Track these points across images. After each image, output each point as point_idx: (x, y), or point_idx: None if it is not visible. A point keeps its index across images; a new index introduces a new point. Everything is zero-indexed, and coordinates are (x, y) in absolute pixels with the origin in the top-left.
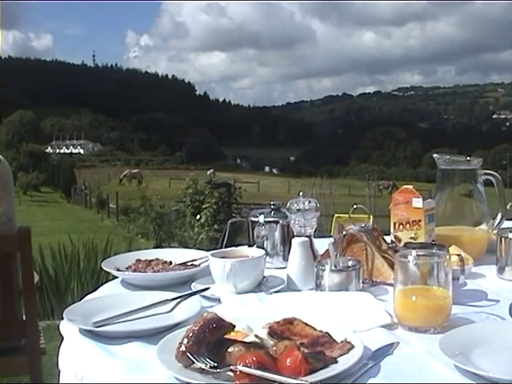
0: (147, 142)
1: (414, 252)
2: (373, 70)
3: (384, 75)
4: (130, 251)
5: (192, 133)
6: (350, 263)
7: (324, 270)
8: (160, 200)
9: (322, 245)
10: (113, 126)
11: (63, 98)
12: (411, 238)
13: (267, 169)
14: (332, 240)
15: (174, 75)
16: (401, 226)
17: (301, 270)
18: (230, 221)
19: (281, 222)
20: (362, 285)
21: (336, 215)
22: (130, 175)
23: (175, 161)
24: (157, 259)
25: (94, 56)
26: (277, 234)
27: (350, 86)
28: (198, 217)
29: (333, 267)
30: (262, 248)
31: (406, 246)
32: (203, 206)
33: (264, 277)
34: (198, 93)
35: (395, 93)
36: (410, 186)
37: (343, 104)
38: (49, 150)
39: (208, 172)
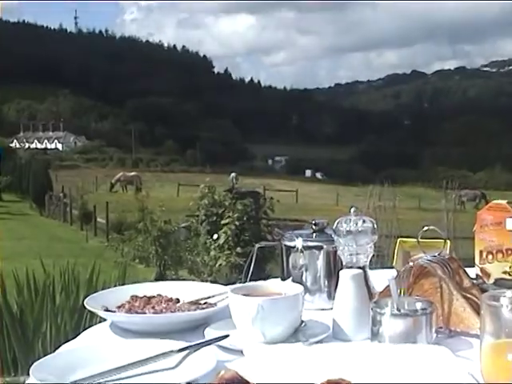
0: (148, 136)
1: (509, 293)
2: (456, 37)
3: (471, 44)
4: (123, 284)
5: (208, 124)
6: (418, 305)
7: (383, 314)
8: (165, 213)
9: (380, 279)
10: (102, 114)
11: (34, 75)
12: (504, 272)
13: (308, 173)
14: (394, 273)
15: (184, 46)
16: (490, 256)
17: (352, 313)
18: (257, 244)
19: (325, 247)
20: (435, 335)
21: (400, 239)
22: (124, 179)
23: (185, 161)
24: (159, 295)
25: (76, 18)
26: (320, 264)
27: (422, 61)
28: (215, 236)
29: (395, 310)
30: (300, 283)
31: (498, 283)
32: (222, 222)
33: (302, 321)
34: (216, 70)
35: (486, 69)
36: (504, 202)
37: (413, 85)
38: (14, 144)
39: (229, 176)
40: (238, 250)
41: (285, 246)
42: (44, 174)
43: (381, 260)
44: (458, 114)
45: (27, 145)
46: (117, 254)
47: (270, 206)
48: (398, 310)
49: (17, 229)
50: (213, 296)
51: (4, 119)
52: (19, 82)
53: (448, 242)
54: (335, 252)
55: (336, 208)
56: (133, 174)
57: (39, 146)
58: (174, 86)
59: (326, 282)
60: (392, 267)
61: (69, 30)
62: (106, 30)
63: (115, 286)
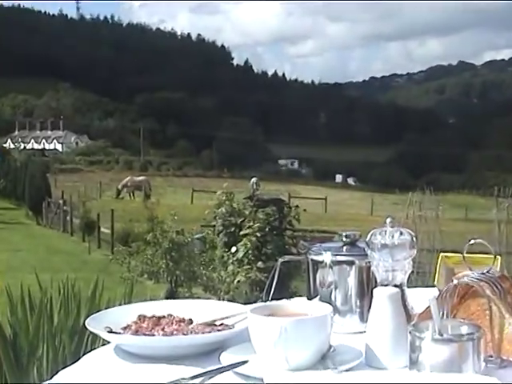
0: (159, 136)
1: None
2: (510, 22)
3: None
4: (129, 302)
5: (226, 122)
6: (464, 329)
7: (423, 339)
8: (177, 223)
9: (420, 298)
10: (108, 111)
11: (31, 66)
12: None
13: (339, 178)
14: (436, 292)
15: (199, 35)
16: None
17: (387, 338)
18: (281, 258)
19: (357, 262)
20: (483, 364)
21: (443, 254)
22: (132, 185)
23: (200, 164)
24: (170, 315)
25: (77, 3)
26: (351, 281)
27: (471, 51)
28: (233, 249)
29: (437, 335)
30: (329, 302)
31: None
32: (242, 234)
33: (331, 346)
34: (236, 62)
35: None
36: None
37: (459, 79)
38: (8, 144)
39: (250, 182)
40: (259, 264)
41: (312, 260)
42: (41, 178)
43: (421, 277)
44: (511, 111)
45: (23, 145)
46: (123, 268)
47: (295, 215)
48: (441, 334)
49: (11, 239)
50: (230, 316)
51: None
52: (14, 74)
53: (499, 257)
54: (369, 268)
55: (370, 218)
56: (141, 178)
57: (36, 146)
58: (187, 80)
59: (358, 302)
60: (434, 286)
61: (70, 17)
62: (112, 17)
63: (120, 304)
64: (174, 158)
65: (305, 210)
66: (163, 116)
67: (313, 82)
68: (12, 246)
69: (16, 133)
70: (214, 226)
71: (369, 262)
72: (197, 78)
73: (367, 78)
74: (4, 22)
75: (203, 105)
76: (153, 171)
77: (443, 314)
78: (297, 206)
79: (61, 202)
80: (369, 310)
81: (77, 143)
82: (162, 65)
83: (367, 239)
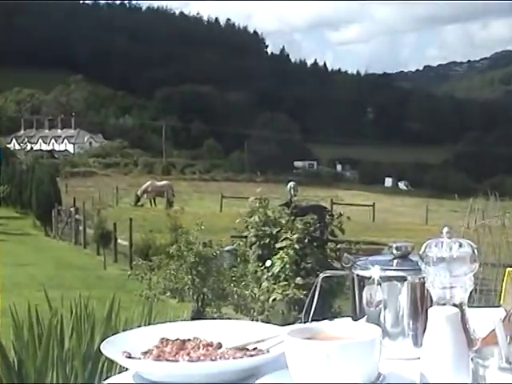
0: (183, 135)
1: None
2: None
3: None
4: (150, 323)
5: (260, 119)
6: None
7: (487, 367)
8: (204, 233)
9: (483, 320)
10: (125, 107)
11: (39, 57)
12: None
13: (389, 182)
14: (502, 313)
15: (229, 20)
16: None
17: (445, 365)
18: (322, 274)
19: (410, 278)
20: None
21: (510, 269)
22: (153, 190)
23: (231, 166)
24: (196, 339)
25: None
26: (403, 300)
27: None
28: (268, 263)
29: (503, 363)
30: (377, 324)
31: None
32: (278, 246)
33: (380, 374)
34: (270, 51)
35: None
36: None
37: None
38: (13, 144)
39: (287, 186)
40: (298, 280)
41: (357, 276)
42: (50, 182)
43: (484, 296)
44: None
45: (29, 146)
46: (142, 285)
47: (338, 224)
48: (508, 362)
49: (16, 253)
50: (265, 340)
51: (0, 113)
52: (19, 65)
53: None
54: (423, 285)
55: (424, 228)
56: (163, 183)
57: (45, 147)
58: (215, 71)
59: (411, 324)
60: (499, 306)
61: (82, 1)
62: (129, 1)
63: (140, 326)
64: (200, 159)
65: (349, 219)
66: (188, 112)
67: (358, 72)
68: (17, 259)
69: (22, 132)
70: (246, 236)
71: (423, 278)
72: (226, 68)
73: (421, 68)
74: (9, 8)
75: (233, 99)
76: (176, 175)
77: (511, 338)
78: (340, 214)
79: (72, 209)
80: (423, 333)
81: (90, 143)
82: (186, 54)
83: (421, 252)
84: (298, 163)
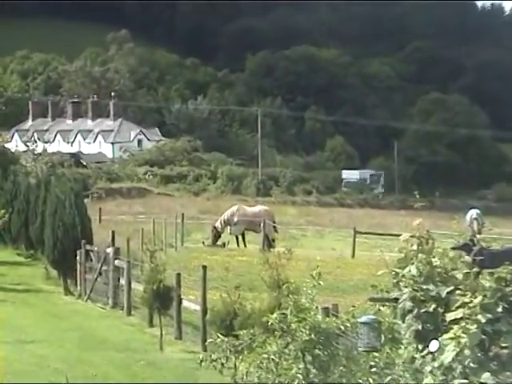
0: (291, 128)
1: None
2: None
3: None
4: None
5: (421, 105)
6: None
7: None
8: (326, 293)
9: None
10: (197, 82)
11: (66, 5)
12: None
13: None
14: None
15: None
16: None
17: None
18: None
19: None
20: None
21: None
22: (242, 220)
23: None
24: None
25: None
26: None
27: None
28: (434, 346)
29: None
30: None
31: None
32: (451, 317)
33: None
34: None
35: None
36: None
37: None
38: (15, 143)
39: (467, 217)
40: (487, 378)
41: None
42: (75, 206)
43: None
44: None
45: (41, 145)
46: (223, 377)
47: None
48: None
49: (18, 322)
50: None
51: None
52: (38, 13)
53: None
54: None
55: None
56: (259, 208)
57: (65, 147)
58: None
59: None
60: None
61: None
62: None
63: None
64: (318, 170)
65: None
66: (299, 93)
67: None
68: (20, 333)
69: (29, 123)
70: (396, 300)
71: None
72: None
73: None
74: None
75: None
76: (280, 195)
77: None
78: None
79: (110, 251)
80: None
81: (139, 142)
82: None
83: None
84: (345, 172)
